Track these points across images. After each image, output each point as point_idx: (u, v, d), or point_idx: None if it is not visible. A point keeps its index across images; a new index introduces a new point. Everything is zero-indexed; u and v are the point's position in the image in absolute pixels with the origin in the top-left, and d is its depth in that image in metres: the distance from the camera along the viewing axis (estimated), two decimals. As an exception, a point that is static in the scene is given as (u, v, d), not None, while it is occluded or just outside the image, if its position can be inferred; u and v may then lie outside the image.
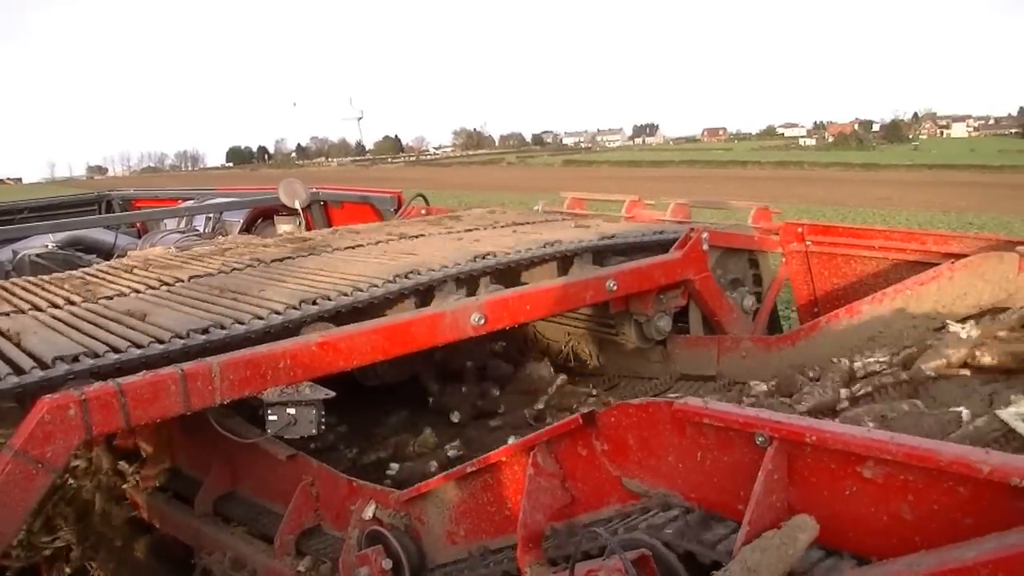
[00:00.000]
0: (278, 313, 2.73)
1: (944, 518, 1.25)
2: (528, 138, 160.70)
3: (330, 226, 6.67)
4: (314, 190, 6.93)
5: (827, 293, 4.19)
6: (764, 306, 4.39)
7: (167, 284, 3.36)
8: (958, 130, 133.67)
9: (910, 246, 3.79)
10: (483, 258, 3.45)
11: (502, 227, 4.54)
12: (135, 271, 3.74)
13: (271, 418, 2.51)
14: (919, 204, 23.27)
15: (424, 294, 3.19)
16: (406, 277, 3.13)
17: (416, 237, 4.21)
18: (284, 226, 6.22)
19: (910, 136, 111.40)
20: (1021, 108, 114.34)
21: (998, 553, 1.07)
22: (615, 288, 3.45)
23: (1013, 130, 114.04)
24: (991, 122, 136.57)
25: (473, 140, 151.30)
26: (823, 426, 1.39)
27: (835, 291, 4.15)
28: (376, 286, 3.02)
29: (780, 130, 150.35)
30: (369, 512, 2.43)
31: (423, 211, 6.01)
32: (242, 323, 2.65)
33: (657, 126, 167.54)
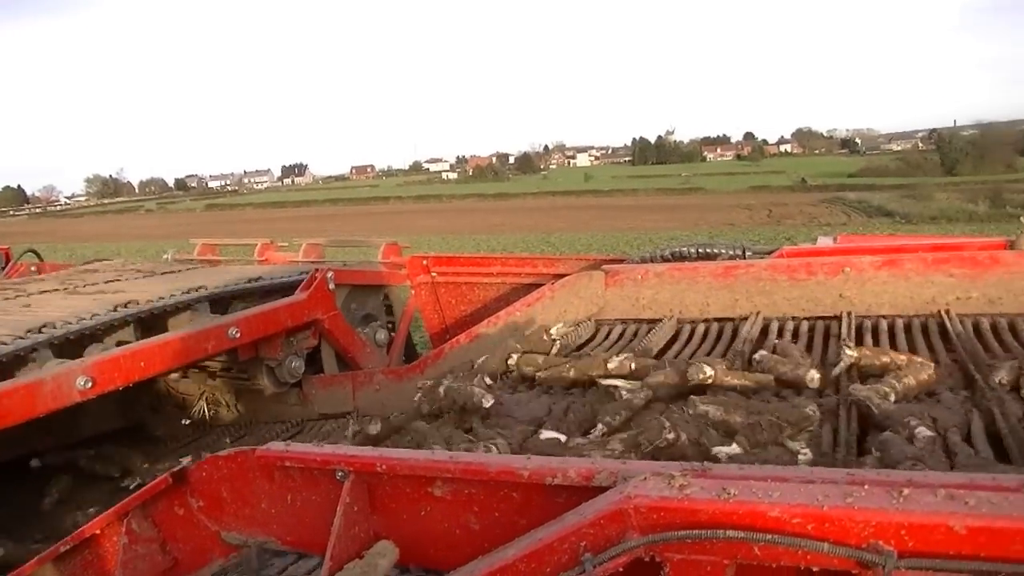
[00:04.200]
0: None
1: (504, 523, 1.38)
2: (171, 183, 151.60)
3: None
4: None
5: (456, 320, 4.44)
6: (397, 338, 4.54)
7: None
8: (582, 160, 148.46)
9: (524, 270, 4.14)
10: (39, 331, 3.07)
11: (91, 285, 4.20)
12: None
13: None
14: (525, 228, 25.78)
15: None
16: None
17: None
18: None
19: (541, 166, 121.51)
20: (633, 139, 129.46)
21: (531, 547, 1.21)
22: (238, 335, 3.38)
23: (627, 158, 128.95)
24: (610, 152, 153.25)
25: (109, 188, 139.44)
26: (392, 454, 1.46)
27: (462, 317, 4.40)
28: None
29: (426, 165, 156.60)
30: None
31: (33, 268, 5.51)
32: None
33: (306, 166, 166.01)
